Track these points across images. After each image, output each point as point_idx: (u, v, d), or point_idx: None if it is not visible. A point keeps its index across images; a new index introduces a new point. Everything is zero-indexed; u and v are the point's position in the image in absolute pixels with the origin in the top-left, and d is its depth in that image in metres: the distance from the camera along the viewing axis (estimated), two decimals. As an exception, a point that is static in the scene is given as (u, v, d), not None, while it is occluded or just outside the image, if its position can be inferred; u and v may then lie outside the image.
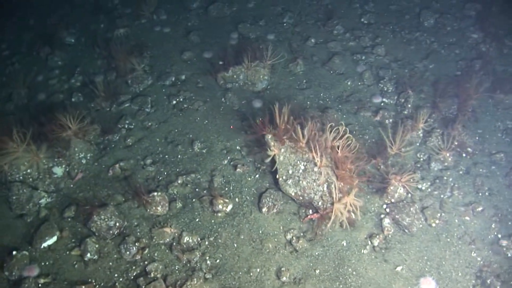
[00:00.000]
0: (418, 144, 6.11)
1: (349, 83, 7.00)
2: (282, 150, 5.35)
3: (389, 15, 8.26)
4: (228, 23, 8.38)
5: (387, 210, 5.41)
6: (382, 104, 6.64)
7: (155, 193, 5.46)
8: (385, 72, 7.04)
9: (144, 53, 7.62)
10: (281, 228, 5.26)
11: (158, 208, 5.40)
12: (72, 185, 5.97)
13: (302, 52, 7.49)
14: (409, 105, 6.45)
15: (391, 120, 6.35)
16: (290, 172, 5.29)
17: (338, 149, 5.23)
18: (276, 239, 5.16)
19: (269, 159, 5.45)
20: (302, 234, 5.21)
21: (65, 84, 7.70)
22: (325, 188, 5.09)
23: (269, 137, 5.45)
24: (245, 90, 6.92)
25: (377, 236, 5.17)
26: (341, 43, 7.66)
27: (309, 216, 5.35)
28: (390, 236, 5.21)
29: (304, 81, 7.10)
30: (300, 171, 5.22)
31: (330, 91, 6.88)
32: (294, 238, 5.15)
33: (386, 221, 5.29)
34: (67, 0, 9.84)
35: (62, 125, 6.18)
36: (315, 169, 5.12)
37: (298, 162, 5.25)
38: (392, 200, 5.49)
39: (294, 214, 5.39)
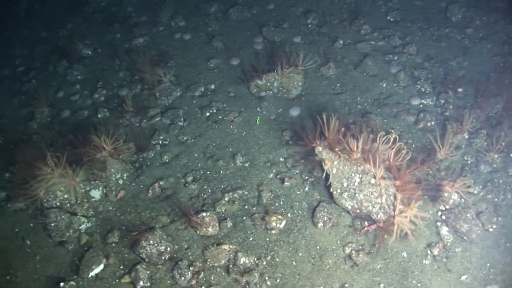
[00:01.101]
0: (463, 146, 6.00)
1: (384, 85, 6.83)
2: (335, 162, 5.17)
3: (415, 12, 8.08)
4: (250, 26, 8.14)
5: (443, 217, 5.27)
6: (421, 106, 6.48)
7: (204, 214, 5.26)
8: (420, 72, 6.88)
9: (168, 63, 7.35)
10: (339, 242, 5.11)
11: (209, 229, 5.20)
12: (114, 203, 5.75)
13: (331, 55, 7.29)
14: (450, 106, 6.31)
15: (433, 123, 6.21)
16: (345, 185, 5.12)
17: (392, 158, 5.09)
18: (335, 254, 5.01)
19: (323, 174, 5.26)
20: (360, 247, 5.05)
21: (88, 99, 7.41)
22: (383, 200, 4.93)
23: (320, 149, 5.28)
24: (279, 97, 6.71)
25: (437, 245, 5.03)
26: (370, 43, 7.47)
27: (365, 228, 5.20)
28: (449, 244, 5.08)
29: (338, 85, 6.91)
30: (356, 183, 5.06)
31: (366, 95, 6.71)
32: (353, 252, 5.00)
33: (444, 229, 5.15)
34: (78, 11, 9.50)
35: (96, 145, 5.95)
36: (372, 181, 4.96)
37: (353, 175, 5.08)
38: (447, 207, 5.37)
39: (349, 226, 5.24)
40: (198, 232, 5.24)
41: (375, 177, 4.98)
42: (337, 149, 5.16)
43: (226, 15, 8.43)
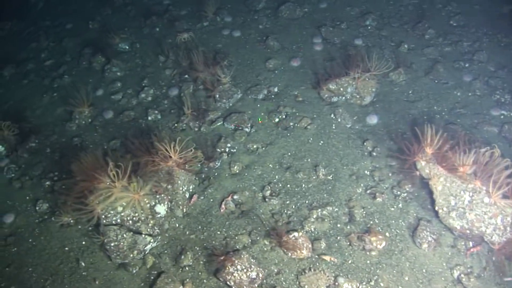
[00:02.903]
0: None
1: (458, 93, 6.42)
2: (442, 179, 4.70)
3: (477, 16, 7.74)
4: (304, 25, 7.58)
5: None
6: (502, 117, 6.13)
7: (296, 233, 4.68)
8: (496, 81, 6.53)
9: (222, 62, 6.70)
10: (445, 264, 4.62)
11: (303, 251, 4.63)
12: (181, 219, 5.08)
13: (399, 59, 6.83)
14: (536, 118, 5.99)
15: (519, 135, 5.86)
16: (453, 203, 4.66)
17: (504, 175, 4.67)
18: (443, 278, 4.52)
19: (419, 189, 4.78)
20: (469, 270, 4.60)
21: (133, 99, 6.65)
22: (499, 221, 4.51)
23: (423, 164, 4.80)
24: (352, 104, 6.18)
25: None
26: (437, 48, 7.07)
27: (471, 250, 4.75)
28: None
29: (410, 92, 6.46)
30: (466, 202, 4.60)
31: (442, 104, 6.28)
32: (462, 275, 4.52)
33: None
34: (107, 2, 8.67)
35: (161, 154, 5.26)
36: (485, 200, 4.53)
37: (462, 192, 4.62)
38: None
39: (452, 247, 4.75)
40: (289, 254, 4.66)
41: (489, 196, 4.56)
42: (443, 164, 4.71)
43: (276, 12, 7.84)
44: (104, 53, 7.38)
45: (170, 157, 5.17)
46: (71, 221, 5.32)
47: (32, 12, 9.13)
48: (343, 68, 6.25)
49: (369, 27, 7.49)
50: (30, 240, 5.27)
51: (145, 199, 5.00)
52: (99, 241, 4.97)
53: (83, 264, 4.91)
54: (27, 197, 5.76)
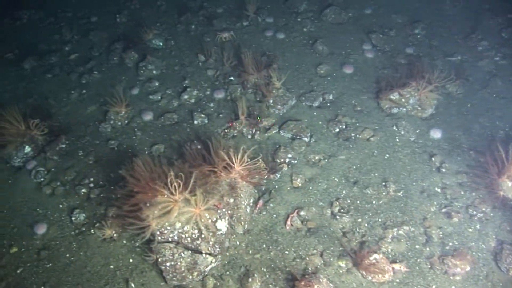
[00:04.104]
0: None
1: (519, 109, 6.20)
2: (533, 201, 4.41)
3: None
4: (351, 31, 7.22)
5: None
6: None
7: (377, 255, 4.27)
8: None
9: (273, 65, 6.25)
10: (535, 295, 4.33)
11: (385, 274, 4.21)
12: (242, 236, 4.59)
13: (452, 71, 6.53)
14: None
15: None
16: (545, 228, 4.37)
17: None
18: (535, 311, 4.23)
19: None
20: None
21: (174, 100, 6.12)
22: None
23: (510, 185, 4.48)
24: (413, 116, 5.84)
25: None
26: (491, 61, 6.83)
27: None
28: None
29: (468, 105, 6.16)
30: (559, 227, 4.32)
31: (504, 120, 5.97)
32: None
33: None
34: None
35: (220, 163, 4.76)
36: None
37: (555, 217, 4.35)
38: None
39: (536, 273, 4.48)
40: (369, 277, 4.23)
41: None
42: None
43: (320, 15, 7.46)
44: (137, 49, 6.82)
45: (231, 167, 4.70)
46: (115, 235, 4.75)
47: (50, 1, 8.45)
48: (404, 78, 5.91)
49: (418, 36, 7.19)
50: (68, 255, 4.67)
51: (207, 214, 4.50)
52: (151, 260, 4.42)
53: (133, 285, 4.34)
54: (60, 206, 5.15)
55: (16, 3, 8.28)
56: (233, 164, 4.63)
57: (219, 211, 4.59)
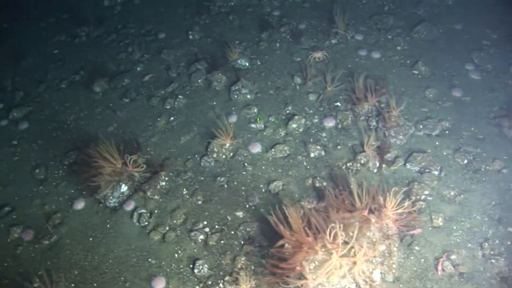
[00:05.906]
0: None
1: None
2: None
3: None
4: (445, 49, 6.77)
5: None
6: None
7: None
8: None
9: (382, 89, 5.74)
10: None
11: None
12: (392, 285, 4.10)
13: None
14: None
15: None
16: None
17: None
18: None
19: None
20: None
21: (279, 129, 5.57)
22: None
23: None
24: (543, 144, 5.43)
25: None
26: None
27: None
28: None
29: None
30: None
31: None
32: None
33: None
34: (203, 9, 7.49)
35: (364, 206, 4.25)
36: None
37: None
38: None
39: None
40: None
41: None
42: None
43: (410, 32, 6.99)
44: (223, 70, 6.25)
45: (381, 210, 4.20)
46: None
47: (108, 16, 7.80)
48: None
49: (520, 57, 6.81)
50: (199, 316, 4.11)
51: (365, 266, 3.99)
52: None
53: None
54: (175, 255, 4.56)
55: (72, 19, 7.63)
56: (385, 207, 4.15)
57: (373, 260, 4.11)
